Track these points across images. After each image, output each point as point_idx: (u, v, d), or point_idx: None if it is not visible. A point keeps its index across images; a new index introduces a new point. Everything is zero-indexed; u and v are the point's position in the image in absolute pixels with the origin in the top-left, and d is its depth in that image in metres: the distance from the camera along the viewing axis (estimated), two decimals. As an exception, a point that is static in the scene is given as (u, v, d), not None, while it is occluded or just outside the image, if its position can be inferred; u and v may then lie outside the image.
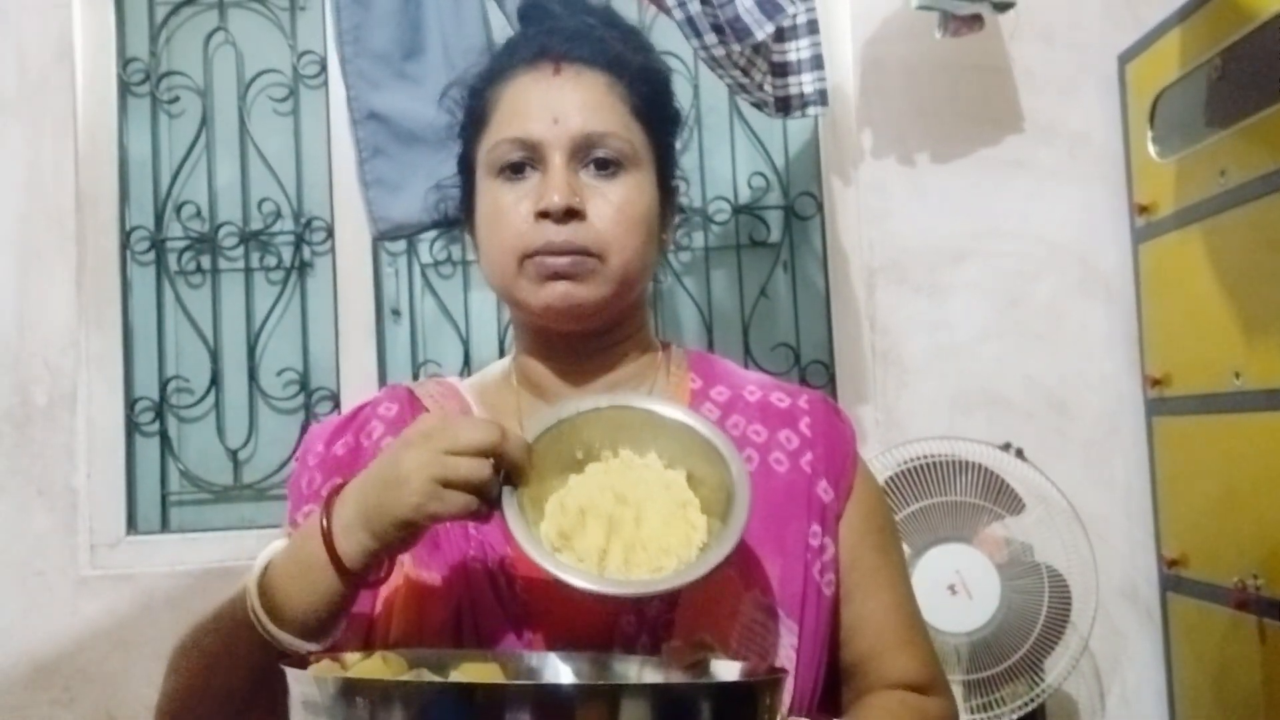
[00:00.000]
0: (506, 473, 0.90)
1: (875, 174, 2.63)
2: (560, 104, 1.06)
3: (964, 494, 2.16)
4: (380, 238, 2.12)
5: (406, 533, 0.90)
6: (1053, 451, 2.47)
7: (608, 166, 1.06)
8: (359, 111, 2.05)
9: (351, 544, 0.91)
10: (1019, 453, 2.28)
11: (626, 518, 0.91)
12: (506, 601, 1.01)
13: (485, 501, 0.89)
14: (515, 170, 1.07)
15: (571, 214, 1.04)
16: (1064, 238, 2.61)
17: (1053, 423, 2.56)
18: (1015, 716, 2.13)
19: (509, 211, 1.06)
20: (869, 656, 1.08)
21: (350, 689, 0.74)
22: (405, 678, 0.85)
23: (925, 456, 2.21)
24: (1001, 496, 2.17)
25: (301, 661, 0.87)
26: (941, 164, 2.62)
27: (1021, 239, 2.61)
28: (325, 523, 0.92)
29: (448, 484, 0.87)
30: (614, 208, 1.05)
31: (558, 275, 1.04)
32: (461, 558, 1.03)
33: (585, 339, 1.11)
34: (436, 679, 0.85)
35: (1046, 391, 2.58)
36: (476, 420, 0.95)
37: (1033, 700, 2.14)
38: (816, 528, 1.07)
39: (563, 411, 0.97)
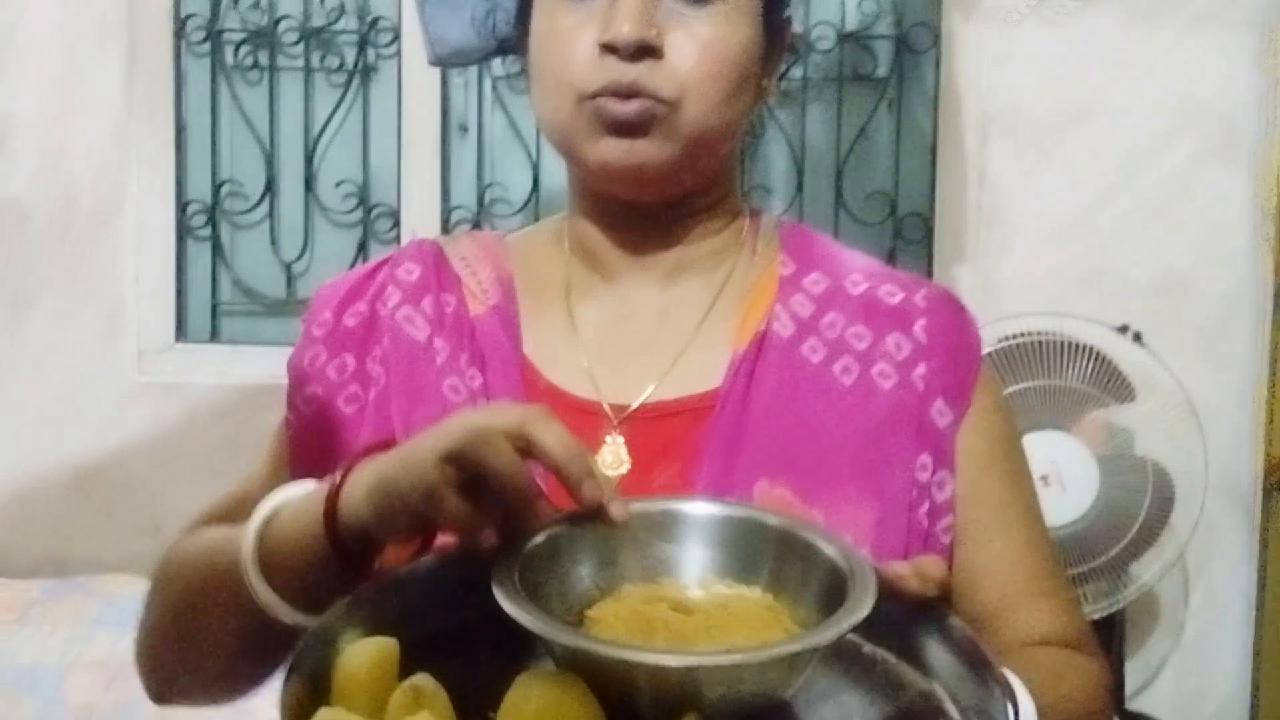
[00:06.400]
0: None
1: (1000, 8, 2.36)
2: None
3: (1068, 378, 1.99)
4: (437, 63, 1.93)
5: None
6: (1166, 336, 2.24)
7: None
8: (416, -82, 1.84)
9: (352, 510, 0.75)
10: (1136, 336, 2.09)
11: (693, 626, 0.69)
12: None
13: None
14: None
15: (645, 50, 0.85)
16: (1206, 93, 2.35)
17: (1167, 304, 2.35)
18: (1096, 617, 2.00)
19: (568, 39, 0.87)
20: (999, 610, 0.89)
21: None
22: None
23: (1029, 333, 2.03)
24: (1111, 383, 1.99)
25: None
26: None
27: (1158, 93, 2.35)
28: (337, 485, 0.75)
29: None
30: (700, 45, 0.86)
31: (619, 127, 0.86)
32: None
33: (651, 206, 0.93)
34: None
35: (1166, 267, 2.36)
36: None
37: (1116, 603, 2.01)
38: (927, 459, 0.90)
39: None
